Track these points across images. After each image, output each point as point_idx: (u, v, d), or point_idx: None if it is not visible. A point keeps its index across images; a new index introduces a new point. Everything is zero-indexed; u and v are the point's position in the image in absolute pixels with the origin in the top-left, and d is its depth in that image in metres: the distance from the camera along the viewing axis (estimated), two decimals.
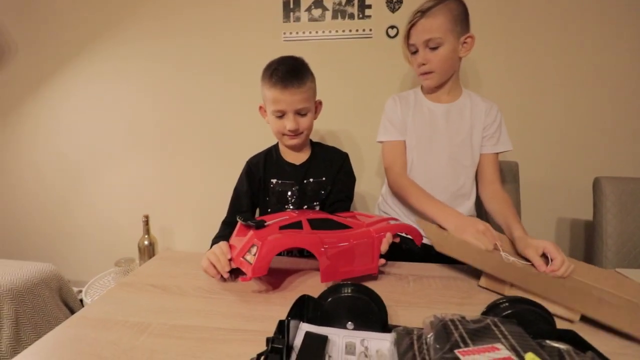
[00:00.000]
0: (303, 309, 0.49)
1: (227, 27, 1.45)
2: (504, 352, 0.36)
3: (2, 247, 1.72)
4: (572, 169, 1.34)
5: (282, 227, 0.66)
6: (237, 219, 0.71)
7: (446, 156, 0.94)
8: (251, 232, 0.65)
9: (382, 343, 0.44)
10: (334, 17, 1.38)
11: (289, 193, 0.92)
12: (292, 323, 0.43)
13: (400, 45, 0.93)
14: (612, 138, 1.31)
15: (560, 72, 1.30)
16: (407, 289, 0.66)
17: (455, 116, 0.94)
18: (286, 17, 1.41)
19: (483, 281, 0.66)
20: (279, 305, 0.58)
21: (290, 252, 0.89)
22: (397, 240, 0.72)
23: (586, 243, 1.37)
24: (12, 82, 1.60)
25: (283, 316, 0.44)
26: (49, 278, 1.16)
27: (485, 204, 0.92)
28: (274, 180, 0.93)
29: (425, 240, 0.87)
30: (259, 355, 0.39)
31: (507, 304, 0.45)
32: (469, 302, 0.62)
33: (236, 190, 0.96)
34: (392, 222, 0.75)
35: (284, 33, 1.42)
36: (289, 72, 0.83)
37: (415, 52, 0.90)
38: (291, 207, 0.92)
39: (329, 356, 0.41)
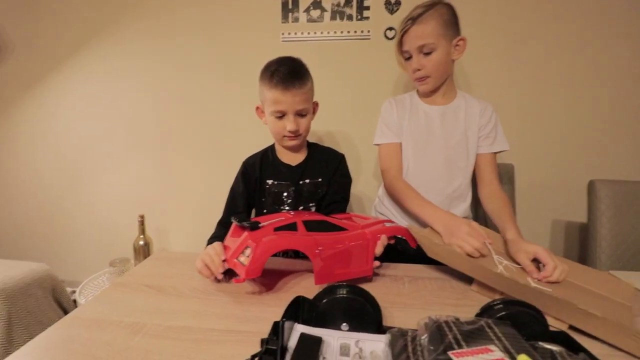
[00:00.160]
0: (298, 310, 0.49)
1: (225, 27, 1.45)
2: (497, 353, 0.36)
3: None
4: (567, 171, 1.35)
5: (276, 229, 0.66)
6: (232, 220, 0.71)
7: (442, 158, 0.95)
8: (245, 234, 0.65)
9: (376, 344, 0.44)
10: (333, 18, 1.39)
11: (285, 194, 0.92)
12: (287, 324, 0.43)
13: (394, 52, 0.95)
14: (607, 141, 1.32)
15: (556, 75, 1.31)
16: (403, 290, 0.67)
17: (450, 118, 0.95)
18: (285, 17, 1.41)
19: (475, 286, 0.67)
20: (274, 306, 0.58)
21: (285, 254, 0.89)
22: (392, 241, 0.72)
23: (581, 245, 1.38)
24: (10, 81, 1.59)
25: (278, 317, 0.44)
26: (42, 278, 1.15)
27: (483, 204, 0.92)
28: (269, 181, 0.93)
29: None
30: (253, 357, 0.39)
31: (501, 305, 0.45)
32: (464, 303, 0.62)
33: (232, 191, 0.96)
34: (388, 225, 0.75)
35: (283, 34, 1.42)
36: (291, 73, 0.83)
37: (409, 58, 0.92)
38: (287, 208, 0.92)
39: (324, 357, 0.41)
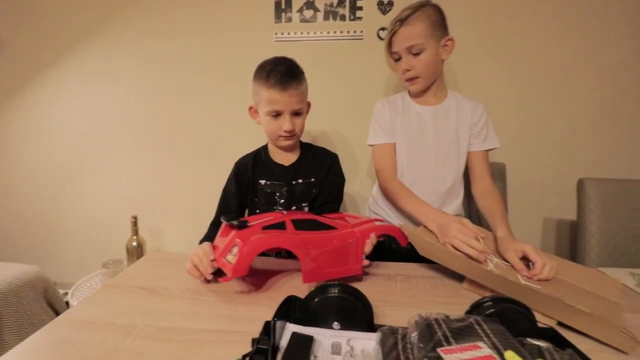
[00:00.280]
0: (290, 309, 0.49)
1: (218, 26, 1.44)
2: (486, 350, 0.37)
3: None
4: (558, 170, 1.37)
5: (265, 228, 0.66)
6: (221, 219, 0.71)
7: (434, 158, 0.95)
8: (233, 232, 0.65)
9: (367, 343, 0.44)
10: (326, 18, 1.39)
11: (278, 194, 0.92)
12: (279, 324, 0.43)
13: (384, 54, 0.96)
14: (597, 140, 1.34)
15: (546, 76, 1.33)
16: (395, 289, 0.67)
17: (442, 118, 0.96)
18: (278, 17, 1.41)
19: (466, 284, 0.68)
20: (266, 306, 0.58)
21: (278, 254, 0.89)
22: (383, 238, 0.73)
23: (571, 242, 1.40)
24: (1, 81, 1.56)
25: (270, 317, 0.44)
26: (34, 280, 1.14)
27: (476, 201, 0.93)
28: (262, 181, 0.93)
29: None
30: (244, 356, 0.39)
31: (490, 303, 0.46)
32: (456, 301, 0.63)
33: (225, 192, 0.96)
34: (378, 224, 0.75)
35: (276, 33, 1.42)
36: (288, 73, 0.84)
37: (398, 60, 0.93)
38: (280, 208, 0.92)
39: (315, 356, 0.42)
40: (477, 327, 0.40)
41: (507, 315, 0.44)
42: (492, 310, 0.45)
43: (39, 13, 1.51)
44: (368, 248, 0.68)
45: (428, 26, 0.87)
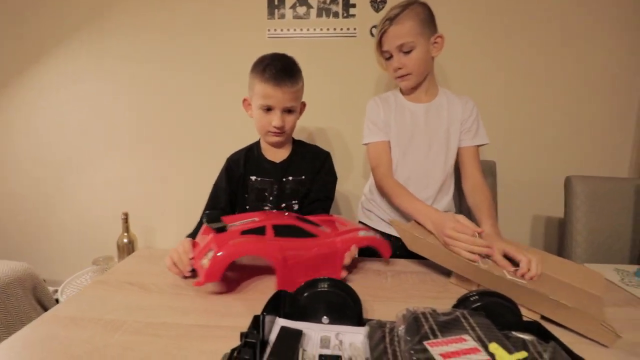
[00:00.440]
0: (279, 304, 0.49)
1: (210, 23, 1.43)
2: (471, 342, 0.37)
3: None
4: (547, 168, 1.39)
5: (244, 232, 0.65)
6: (203, 218, 0.70)
7: (427, 155, 0.96)
8: (211, 236, 0.64)
9: (356, 336, 0.45)
10: (319, 15, 1.39)
11: (268, 191, 0.92)
12: (268, 318, 0.43)
13: (374, 53, 0.96)
14: (585, 139, 1.37)
15: (536, 75, 1.35)
16: (385, 284, 0.68)
17: (434, 115, 0.97)
18: (270, 14, 1.40)
19: (454, 279, 0.69)
20: (255, 301, 0.58)
21: None
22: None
23: (559, 239, 1.42)
24: None
25: (259, 312, 0.44)
26: (23, 277, 1.13)
27: (466, 197, 0.94)
28: (253, 178, 0.93)
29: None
30: (232, 351, 0.39)
31: (476, 297, 0.46)
32: (444, 295, 0.64)
33: (215, 187, 0.96)
34: (362, 234, 0.73)
35: (268, 30, 1.41)
36: (283, 69, 0.84)
37: (389, 58, 0.94)
38: (269, 205, 0.92)
39: (304, 350, 0.42)
40: (463, 320, 0.41)
41: (492, 309, 0.45)
42: (478, 304, 0.46)
43: (25, 10, 1.48)
44: (347, 260, 0.66)
45: (417, 24, 0.87)
